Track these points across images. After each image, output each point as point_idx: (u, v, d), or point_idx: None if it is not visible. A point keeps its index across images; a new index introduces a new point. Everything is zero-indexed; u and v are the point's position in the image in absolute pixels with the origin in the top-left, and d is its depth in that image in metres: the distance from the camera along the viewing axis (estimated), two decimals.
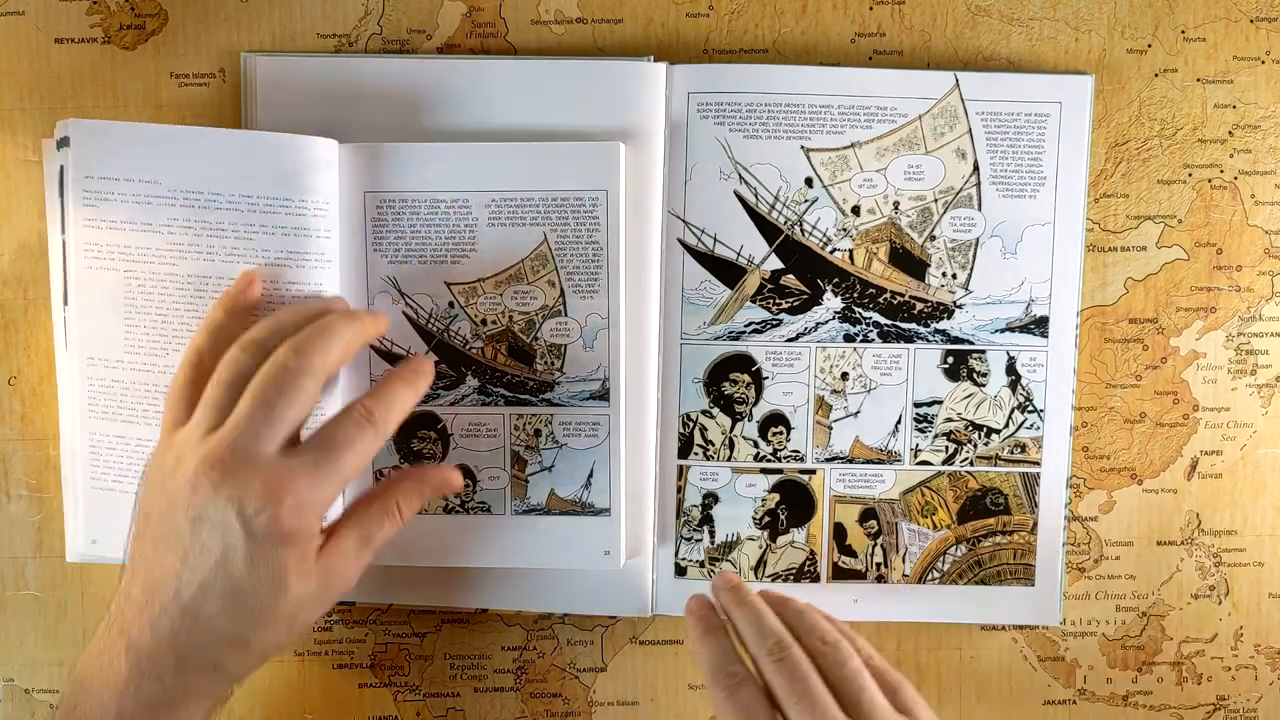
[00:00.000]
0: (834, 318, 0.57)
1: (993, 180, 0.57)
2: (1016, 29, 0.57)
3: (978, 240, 0.57)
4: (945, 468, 0.58)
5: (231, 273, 0.53)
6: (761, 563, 0.58)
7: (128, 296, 0.53)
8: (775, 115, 0.56)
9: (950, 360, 0.58)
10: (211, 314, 0.51)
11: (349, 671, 0.60)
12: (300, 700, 0.59)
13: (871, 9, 0.57)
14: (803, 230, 0.57)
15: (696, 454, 0.58)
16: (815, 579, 0.59)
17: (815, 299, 0.57)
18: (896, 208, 0.57)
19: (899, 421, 0.58)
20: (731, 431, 0.58)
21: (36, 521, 0.59)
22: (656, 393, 0.57)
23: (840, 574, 0.59)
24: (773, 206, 0.57)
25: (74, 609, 0.59)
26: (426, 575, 0.58)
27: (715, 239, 0.57)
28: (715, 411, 0.58)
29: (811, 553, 0.59)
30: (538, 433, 0.57)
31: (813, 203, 0.57)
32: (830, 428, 0.58)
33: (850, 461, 0.58)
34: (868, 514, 0.58)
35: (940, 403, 0.58)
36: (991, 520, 0.58)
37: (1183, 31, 0.57)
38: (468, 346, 0.56)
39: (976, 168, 0.57)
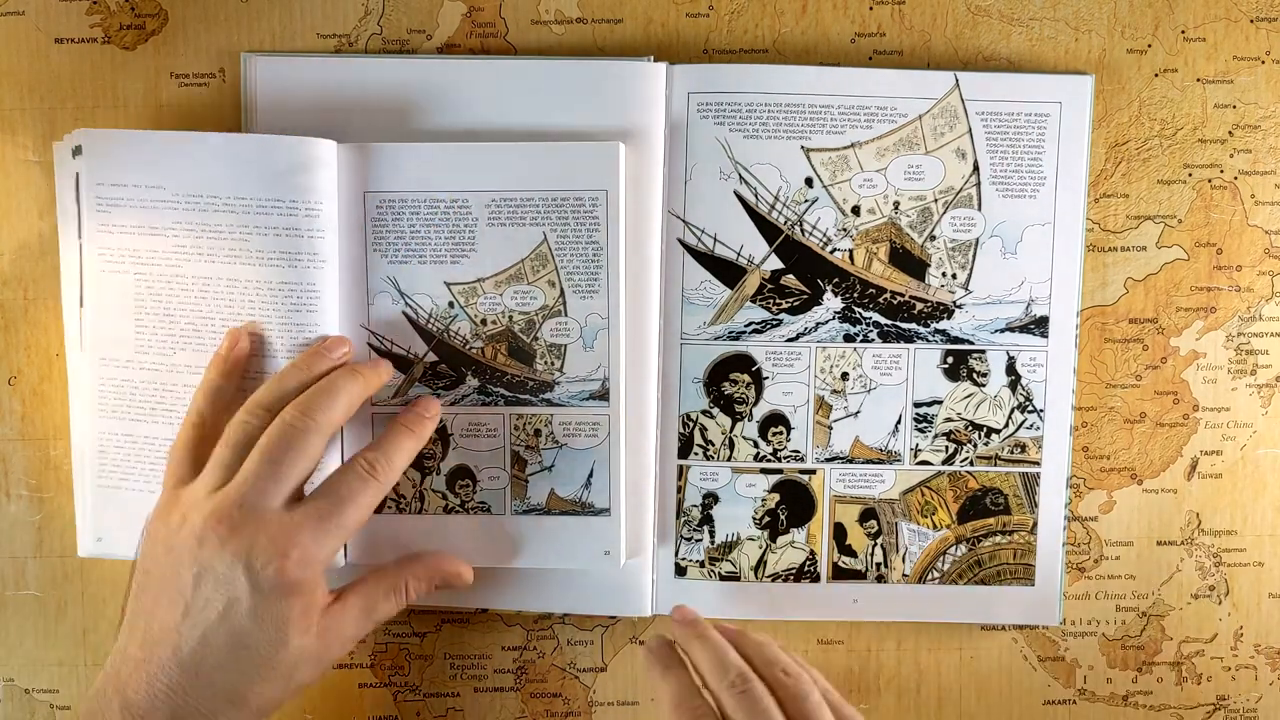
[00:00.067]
0: (834, 318, 0.57)
1: (993, 180, 0.57)
2: (1016, 29, 0.57)
3: (978, 240, 0.57)
4: (945, 468, 0.58)
5: (232, 274, 0.53)
6: (761, 563, 0.58)
7: (138, 299, 0.54)
8: (775, 115, 0.56)
9: (950, 360, 0.58)
10: (207, 376, 0.53)
11: (349, 671, 0.60)
12: (300, 700, 0.59)
13: (871, 9, 0.57)
14: (803, 230, 0.57)
15: (696, 454, 0.58)
16: (815, 579, 0.59)
17: (815, 299, 0.57)
18: (896, 208, 0.57)
19: (899, 421, 0.58)
20: (731, 431, 0.58)
21: (36, 521, 0.59)
22: (656, 393, 0.57)
23: (840, 574, 0.59)
24: (773, 206, 0.57)
25: (74, 609, 0.59)
26: None
27: (715, 239, 0.57)
28: (715, 411, 0.58)
29: (811, 553, 0.59)
30: (538, 433, 0.57)
31: (813, 203, 0.57)
32: (830, 428, 0.58)
33: (850, 461, 0.58)
34: (868, 514, 0.58)
35: (940, 403, 0.58)
36: (991, 520, 0.58)
37: (1183, 31, 0.57)
38: (468, 346, 0.56)
39: (976, 168, 0.57)
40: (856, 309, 0.57)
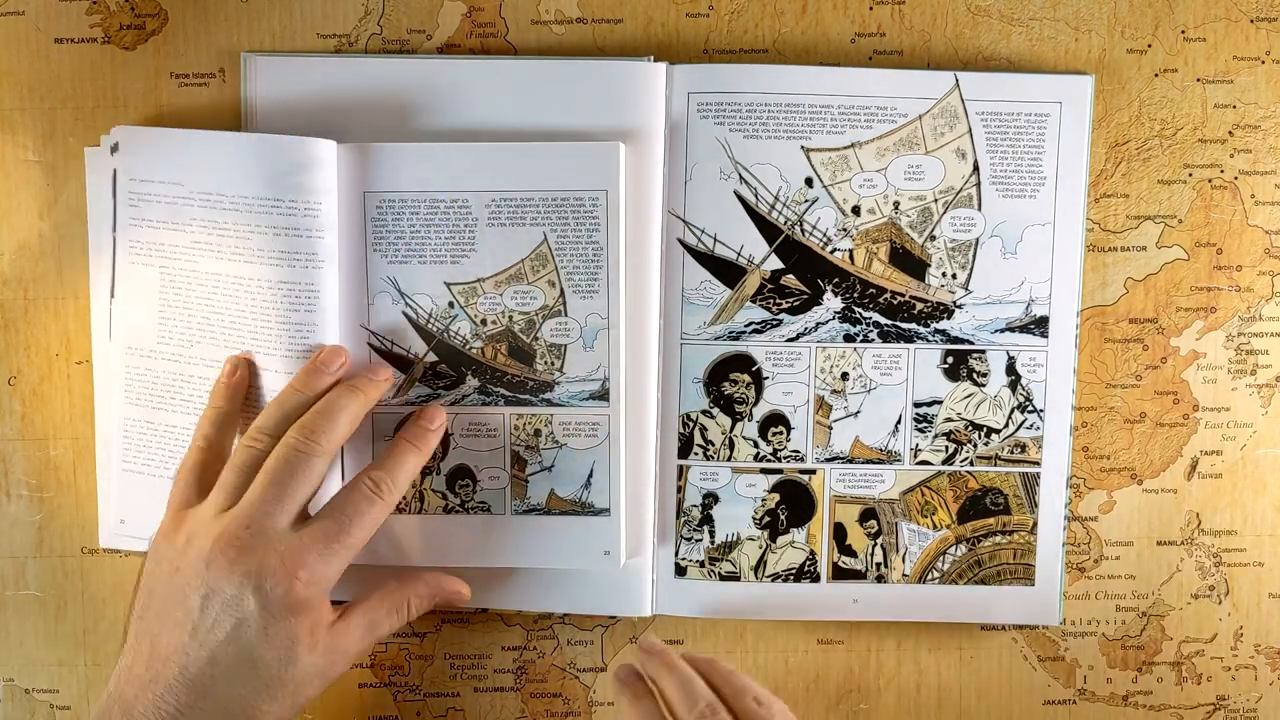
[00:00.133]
0: (834, 318, 0.57)
1: (993, 180, 0.57)
2: (1016, 29, 0.57)
3: (978, 240, 0.57)
4: (945, 468, 0.58)
5: (238, 272, 0.54)
6: (761, 563, 0.58)
7: (161, 291, 0.55)
8: (775, 115, 0.56)
9: (950, 360, 0.58)
10: (211, 402, 0.54)
11: (349, 671, 0.59)
12: None
13: (871, 9, 0.57)
14: (803, 230, 0.57)
15: (696, 454, 0.58)
16: (815, 579, 0.59)
17: (815, 299, 0.57)
18: (896, 208, 0.57)
19: (899, 421, 0.58)
20: (731, 431, 0.58)
21: (37, 521, 0.59)
22: (656, 393, 0.57)
23: (840, 574, 0.59)
24: (773, 206, 0.57)
25: (74, 609, 0.59)
26: None
27: (715, 239, 0.57)
28: (715, 411, 0.58)
29: (811, 553, 0.59)
30: (538, 433, 0.57)
31: (813, 203, 0.57)
32: (830, 428, 0.58)
33: (850, 461, 0.58)
34: (868, 514, 0.58)
35: (940, 403, 0.58)
36: (991, 520, 0.58)
37: (1183, 31, 0.57)
38: (468, 346, 0.56)
39: (976, 168, 0.57)
40: (856, 309, 0.57)
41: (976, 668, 0.60)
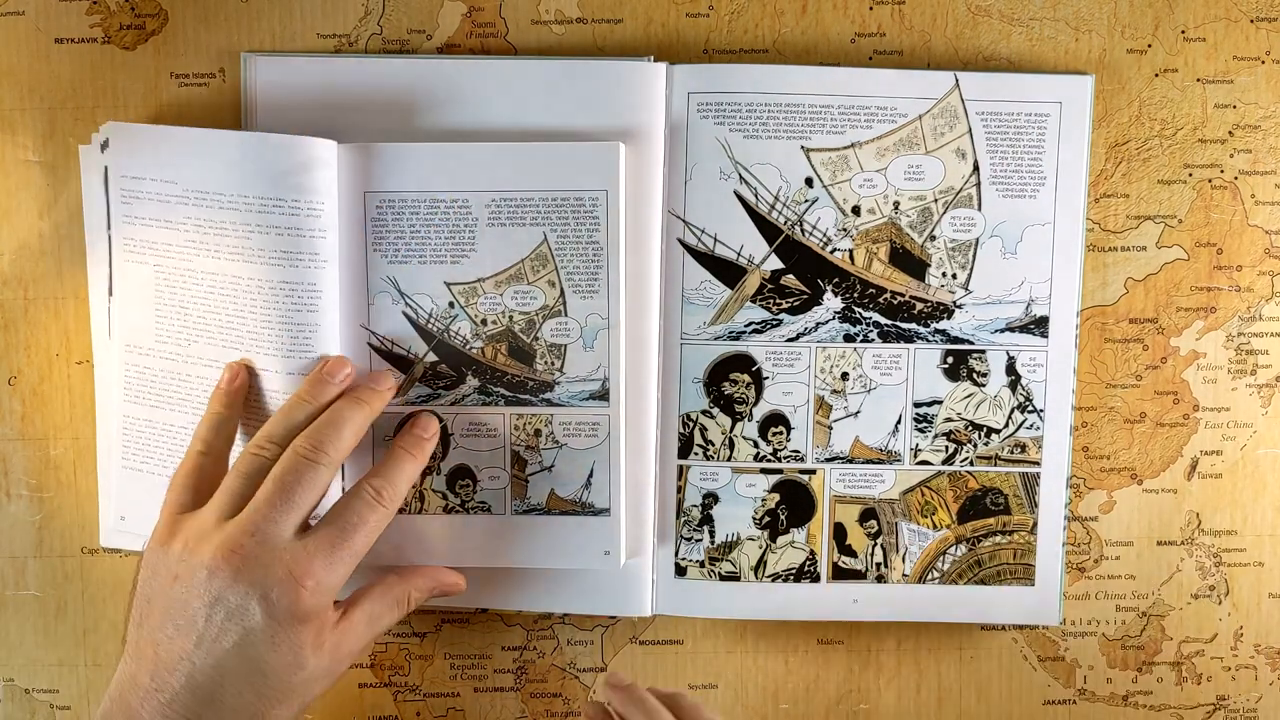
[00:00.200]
0: (834, 318, 0.57)
1: (993, 180, 0.57)
2: (1016, 29, 0.57)
3: (978, 240, 0.57)
4: (945, 468, 0.58)
5: (236, 271, 0.54)
6: (761, 563, 0.58)
7: (157, 289, 0.55)
8: (775, 115, 0.56)
9: (950, 360, 0.58)
10: (210, 407, 0.54)
11: (349, 671, 0.60)
12: None
13: (871, 9, 0.57)
14: (803, 230, 0.57)
15: (696, 454, 0.58)
16: (815, 579, 0.59)
17: (815, 299, 0.57)
18: (896, 208, 0.57)
19: (899, 421, 0.58)
20: (731, 431, 0.58)
21: (37, 521, 0.59)
22: (656, 393, 0.57)
23: (840, 574, 0.59)
24: (773, 206, 0.57)
25: (74, 609, 0.59)
26: None
27: (715, 239, 0.57)
28: (715, 411, 0.58)
29: (811, 553, 0.59)
30: (538, 433, 0.57)
31: (813, 203, 0.57)
32: (830, 428, 0.58)
33: (850, 461, 0.58)
34: (868, 514, 0.58)
35: (940, 403, 0.58)
36: (991, 520, 0.58)
37: (1183, 31, 0.57)
38: (468, 346, 0.56)
39: (976, 168, 0.57)
40: (856, 309, 0.57)
41: (976, 668, 0.60)
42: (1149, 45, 0.57)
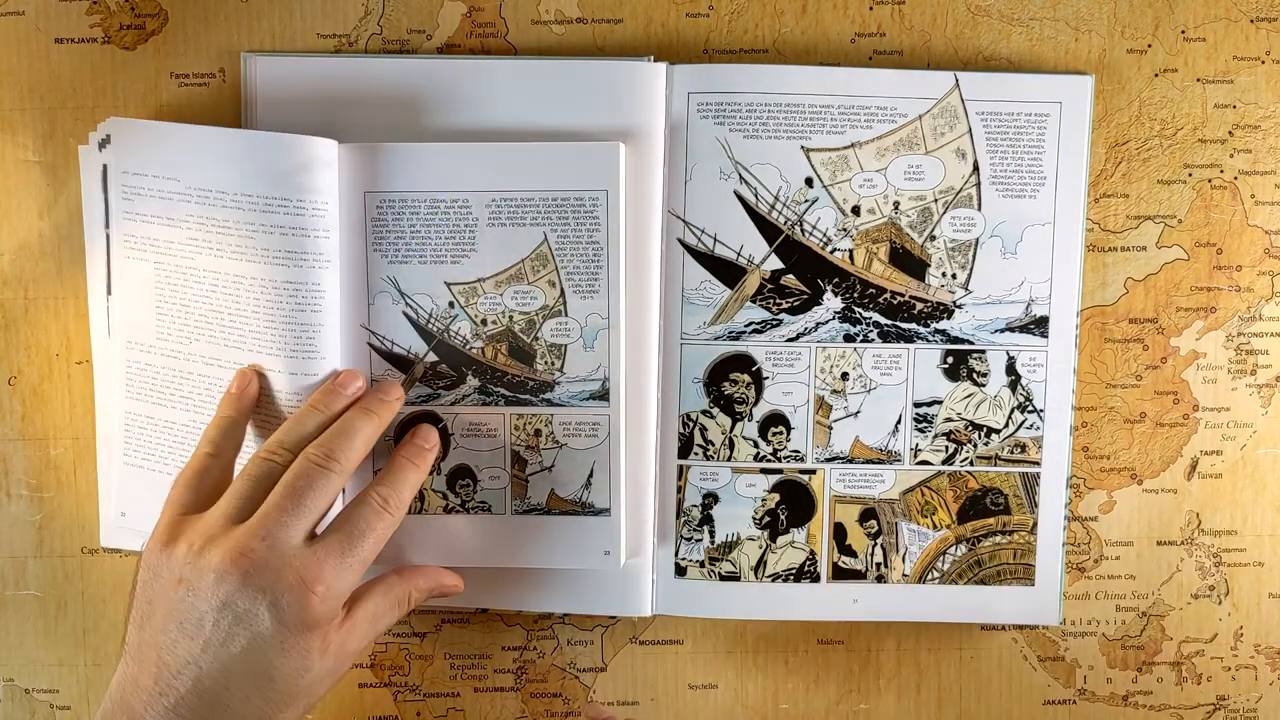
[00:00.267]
0: (834, 318, 0.57)
1: (993, 180, 0.57)
2: (1016, 29, 0.57)
3: (978, 240, 0.57)
4: (945, 468, 0.58)
5: (238, 270, 0.54)
6: (761, 563, 0.58)
7: (157, 287, 0.55)
8: (775, 115, 0.56)
9: (950, 360, 0.58)
10: (220, 411, 0.54)
11: (349, 671, 0.60)
12: None
13: (871, 9, 0.57)
14: (803, 230, 0.57)
15: (696, 454, 0.58)
16: (815, 579, 0.59)
17: (815, 299, 0.57)
18: (896, 208, 0.57)
19: (899, 421, 0.58)
20: (731, 431, 0.58)
21: (37, 521, 0.59)
22: (656, 393, 0.57)
23: (840, 574, 0.59)
24: (773, 206, 0.57)
25: (74, 609, 0.59)
26: None
27: (715, 239, 0.57)
28: (715, 411, 0.58)
29: (811, 553, 0.59)
30: (538, 433, 0.57)
31: (813, 203, 0.57)
32: (830, 428, 0.58)
33: (850, 461, 0.58)
34: (868, 514, 0.58)
35: (940, 403, 0.58)
36: (991, 520, 0.58)
37: (1183, 31, 0.57)
38: (468, 346, 0.56)
39: (976, 168, 0.57)
40: (856, 309, 0.57)
41: (976, 668, 0.60)
42: (1149, 45, 0.57)
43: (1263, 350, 0.59)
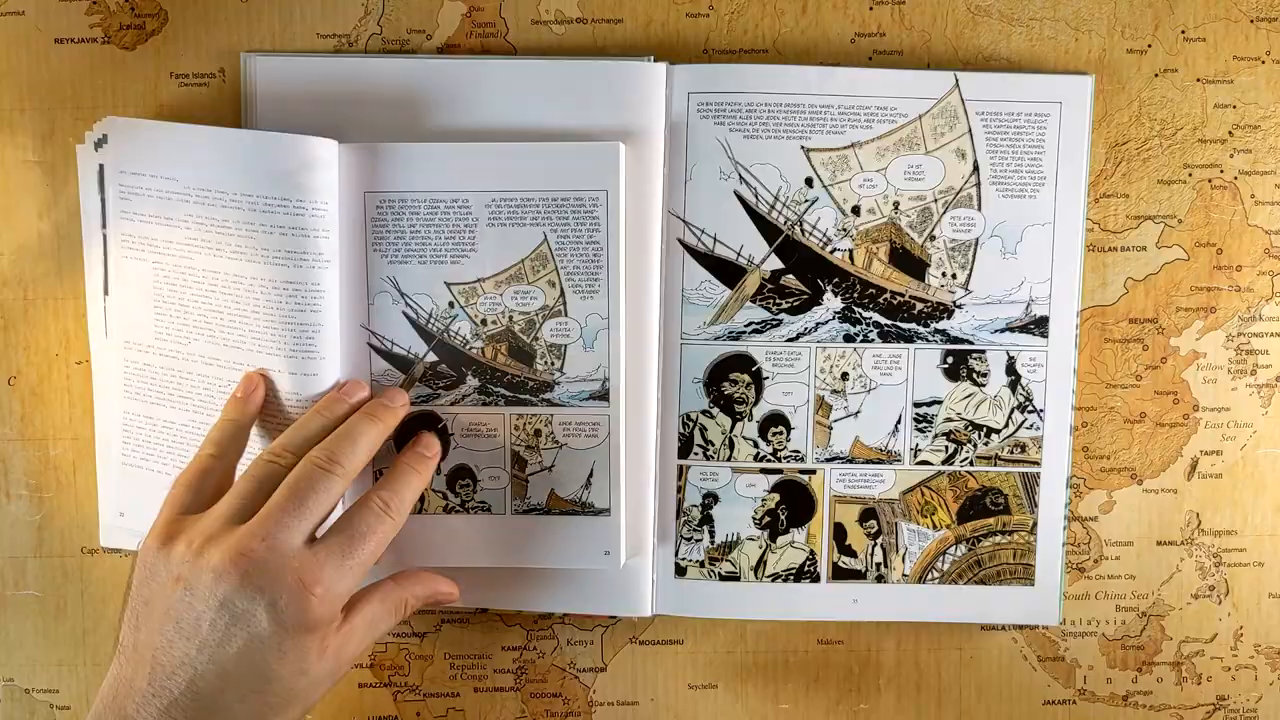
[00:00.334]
0: (834, 318, 0.57)
1: (993, 180, 0.57)
2: (1016, 29, 0.57)
3: (978, 240, 0.57)
4: (945, 468, 0.58)
5: (238, 270, 0.54)
6: (761, 563, 0.58)
7: (155, 286, 0.55)
8: (775, 115, 0.56)
9: (950, 360, 0.58)
10: (225, 414, 0.54)
11: (349, 671, 0.60)
12: None
13: (871, 9, 0.57)
14: (803, 230, 0.57)
15: (696, 454, 0.58)
16: (815, 579, 0.59)
17: (815, 299, 0.57)
18: (896, 208, 0.57)
19: (899, 421, 0.58)
20: (731, 431, 0.58)
21: (36, 521, 0.59)
22: (656, 393, 0.57)
23: (840, 574, 0.59)
24: (773, 206, 0.57)
25: (74, 609, 0.59)
26: None
27: (715, 239, 0.57)
28: (715, 411, 0.58)
29: (811, 553, 0.59)
30: (538, 433, 0.57)
31: (813, 203, 0.57)
32: (830, 428, 0.58)
33: (850, 461, 0.58)
34: (868, 514, 0.58)
35: (940, 403, 0.58)
36: (991, 520, 0.58)
37: (1183, 31, 0.57)
38: (468, 346, 0.56)
39: (976, 168, 0.57)
40: (856, 309, 0.57)
41: (976, 668, 0.60)
42: (1149, 45, 0.57)
43: (1263, 350, 0.59)
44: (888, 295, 0.57)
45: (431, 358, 0.56)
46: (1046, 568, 0.58)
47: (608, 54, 0.57)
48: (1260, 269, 0.58)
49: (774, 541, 0.58)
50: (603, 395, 0.56)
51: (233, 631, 0.46)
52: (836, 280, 0.57)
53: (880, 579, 0.59)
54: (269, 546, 0.47)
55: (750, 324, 0.57)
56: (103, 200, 0.55)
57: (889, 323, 0.57)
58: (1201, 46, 0.57)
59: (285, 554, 0.47)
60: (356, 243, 0.55)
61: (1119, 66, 0.57)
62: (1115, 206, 0.58)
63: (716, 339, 0.57)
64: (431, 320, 0.56)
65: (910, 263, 0.57)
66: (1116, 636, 0.60)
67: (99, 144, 0.55)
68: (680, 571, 0.59)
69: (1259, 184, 0.58)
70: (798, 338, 0.58)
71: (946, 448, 0.58)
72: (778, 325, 0.58)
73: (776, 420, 0.58)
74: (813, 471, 0.58)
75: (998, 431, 0.58)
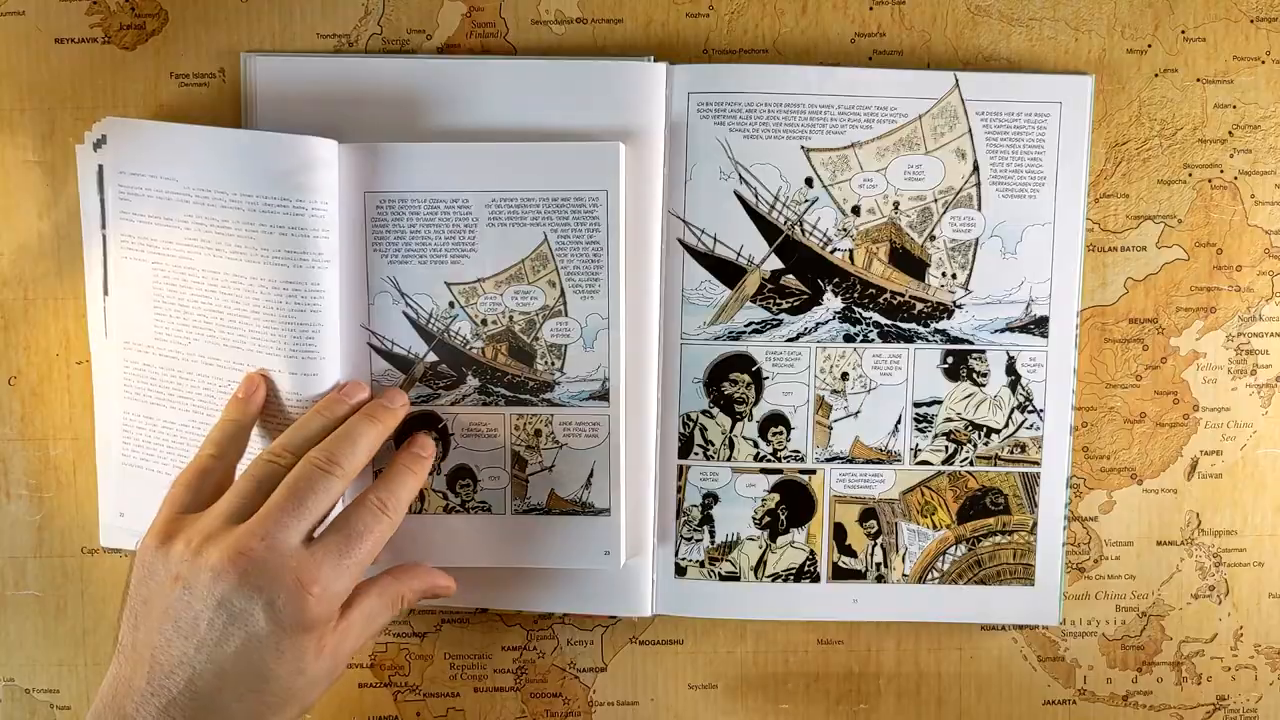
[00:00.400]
0: (834, 318, 0.58)
1: (993, 180, 0.57)
2: (1016, 29, 0.57)
3: (978, 240, 0.57)
4: (945, 467, 0.58)
5: (238, 270, 0.54)
6: (761, 563, 0.58)
7: (155, 286, 0.55)
8: (775, 115, 0.56)
9: (950, 360, 0.58)
10: (226, 414, 0.54)
11: (349, 671, 0.60)
12: None
13: (871, 9, 0.57)
14: (803, 230, 0.57)
15: (696, 454, 0.58)
16: (815, 579, 0.59)
17: (815, 299, 0.57)
18: (896, 208, 0.57)
19: (899, 421, 0.58)
20: (731, 431, 0.58)
21: (36, 521, 0.59)
22: (656, 393, 0.57)
23: (840, 574, 0.59)
24: (773, 206, 0.57)
25: (74, 609, 0.59)
26: None
27: (715, 239, 0.57)
28: (715, 411, 0.58)
29: (811, 553, 0.59)
30: (538, 433, 0.57)
31: (813, 203, 0.57)
32: (830, 428, 0.58)
33: (850, 461, 0.58)
34: (868, 514, 0.58)
35: (940, 403, 0.58)
36: (991, 520, 0.58)
37: (1183, 31, 0.57)
38: (468, 346, 0.56)
39: (976, 168, 0.57)
40: (856, 309, 0.57)
41: (976, 668, 0.60)
42: (1149, 45, 0.57)
43: (1263, 350, 0.59)
44: (888, 295, 0.57)
45: (432, 358, 0.56)
46: (1046, 568, 0.58)
47: (608, 54, 0.57)
48: (1260, 269, 0.58)
49: (774, 541, 0.58)
50: (603, 395, 0.56)
51: (230, 631, 0.46)
52: (836, 280, 0.57)
53: (880, 579, 0.59)
54: (267, 546, 0.47)
55: (750, 324, 0.57)
56: (102, 200, 0.55)
57: (889, 323, 0.57)
58: (1201, 46, 0.57)
59: (283, 553, 0.47)
60: (356, 243, 0.55)
61: (1119, 66, 0.57)
62: (1115, 206, 0.58)
63: (716, 339, 0.57)
64: (432, 320, 0.56)
65: (910, 263, 0.57)
66: (1116, 636, 0.60)
67: (98, 144, 0.55)
68: (680, 571, 0.59)
69: (1259, 184, 0.58)
70: (798, 338, 0.58)
71: (946, 448, 0.58)
72: (778, 325, 0.58)
73: (776, 420, 0.58)
74: (813, 471, 0.58)
75: (998, 431, 0.58)
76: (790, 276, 0.57)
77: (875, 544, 0.59)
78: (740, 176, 0.56)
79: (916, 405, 0.58)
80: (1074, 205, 0.57)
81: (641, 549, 0.58)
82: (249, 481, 0.50)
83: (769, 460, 0.58)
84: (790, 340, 0.58)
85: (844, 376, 0.58)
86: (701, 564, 0.58)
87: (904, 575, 0.59)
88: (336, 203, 0.54)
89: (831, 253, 0.57)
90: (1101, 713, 0.60)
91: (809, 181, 0.57)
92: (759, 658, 0.60)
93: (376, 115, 0.56)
